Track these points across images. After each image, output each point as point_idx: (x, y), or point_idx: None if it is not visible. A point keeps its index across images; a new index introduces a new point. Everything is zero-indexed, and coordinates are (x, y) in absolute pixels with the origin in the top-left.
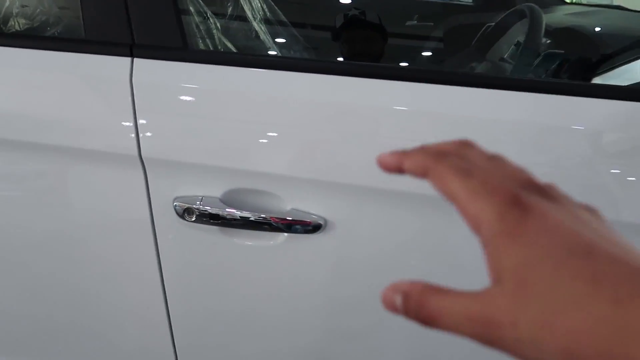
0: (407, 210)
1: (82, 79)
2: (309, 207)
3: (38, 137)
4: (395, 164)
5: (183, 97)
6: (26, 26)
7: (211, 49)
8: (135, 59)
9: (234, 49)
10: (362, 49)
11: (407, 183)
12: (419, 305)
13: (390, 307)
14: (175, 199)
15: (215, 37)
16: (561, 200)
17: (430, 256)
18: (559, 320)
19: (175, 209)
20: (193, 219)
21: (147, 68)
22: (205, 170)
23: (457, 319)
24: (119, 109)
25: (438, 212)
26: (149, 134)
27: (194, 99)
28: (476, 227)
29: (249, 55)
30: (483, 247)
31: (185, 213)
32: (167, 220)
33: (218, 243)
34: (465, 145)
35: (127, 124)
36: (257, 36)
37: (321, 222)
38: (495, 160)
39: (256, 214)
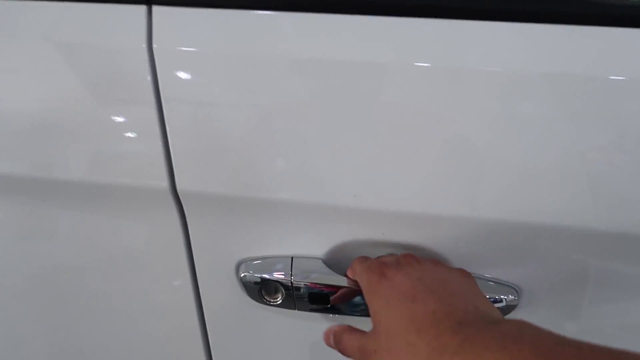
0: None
1: (56, 51)
2: (487, 268)
3: None
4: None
5: (249, 77)
6: None
7: None
8: (154, 8)
9: None
10: None
11: None
12: (337, 340)
13: (327, 343)
14: (240, 264)
15: None
16: (418, 269)
17: None
18: (393, 345)
19: (242, 282)
20: (279, 300)
21: (178, 24)
22: (292, 209)
23: (354, 350)
24: (128, 106)
25: None
26: (187, 150)
27: (271, 79)
28: (363, 291)
29: None
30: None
31: (262, 289)
32: (226, 300)
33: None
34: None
35: (148, 133)
36: None
37: (514, 295)
38: (393, 255)
39: None
